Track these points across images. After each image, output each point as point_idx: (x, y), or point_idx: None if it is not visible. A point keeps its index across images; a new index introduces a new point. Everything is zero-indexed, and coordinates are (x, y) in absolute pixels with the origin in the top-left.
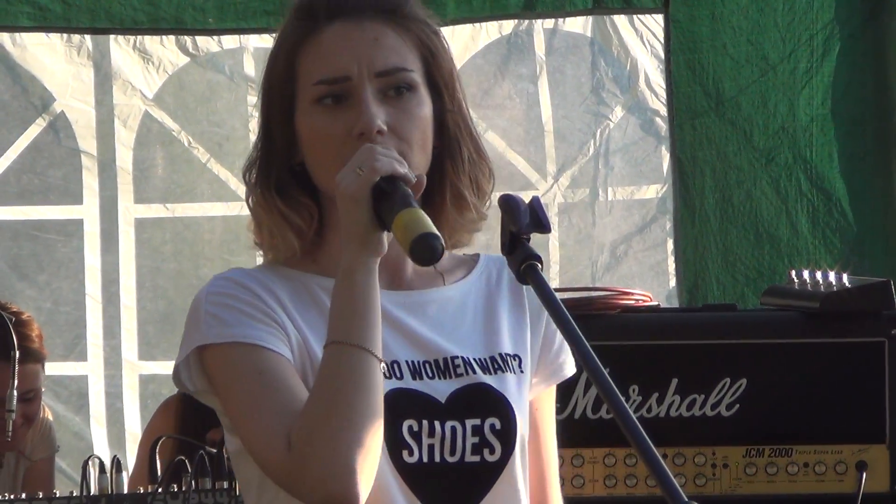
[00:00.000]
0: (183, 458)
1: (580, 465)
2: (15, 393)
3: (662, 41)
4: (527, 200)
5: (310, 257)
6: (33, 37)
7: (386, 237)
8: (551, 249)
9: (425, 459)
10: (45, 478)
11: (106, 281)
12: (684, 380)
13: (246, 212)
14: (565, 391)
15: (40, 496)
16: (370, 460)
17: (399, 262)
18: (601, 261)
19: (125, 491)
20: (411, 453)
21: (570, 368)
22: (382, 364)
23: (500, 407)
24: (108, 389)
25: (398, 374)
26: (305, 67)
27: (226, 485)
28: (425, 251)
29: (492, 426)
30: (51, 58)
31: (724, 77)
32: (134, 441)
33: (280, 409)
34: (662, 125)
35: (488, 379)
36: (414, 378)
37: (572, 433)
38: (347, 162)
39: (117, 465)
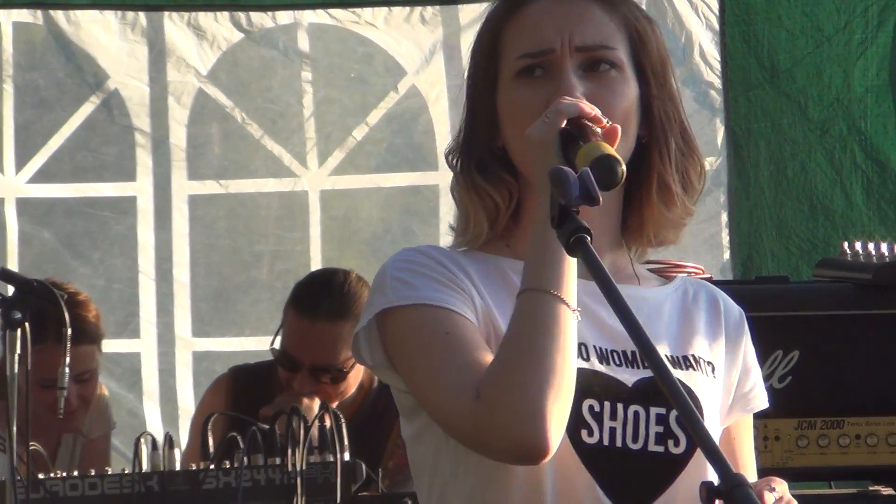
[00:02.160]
0: (235, 434)
1: None
2: (67, 370)
3: (717, 13)
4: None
5: (503, 241)
6: (87, 14)
7: None
8: None
9: (606, 442)
10: (101, 455)
11: (159, 258)
12: None
13: (300, 188)
14: None
15: (93, 473)
16: (561, 407)
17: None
18: None
19: (178, 468)
20: (591, 434)
21: (766, 399)
22: (576, 314)
23: (689, 398)
24: (162, 367)
25: (584, 356)
26: (510, 43)
27: (278, 461)
28: (602, 170)
29: (677, 417)
30: (105, 35)
31: (779, 49)
32: (187, 418)
33: (466, 366)
34: (717, 97)
35: (677, 373)
36: (601, 362)
37: None
38: None
39: (170, 441)
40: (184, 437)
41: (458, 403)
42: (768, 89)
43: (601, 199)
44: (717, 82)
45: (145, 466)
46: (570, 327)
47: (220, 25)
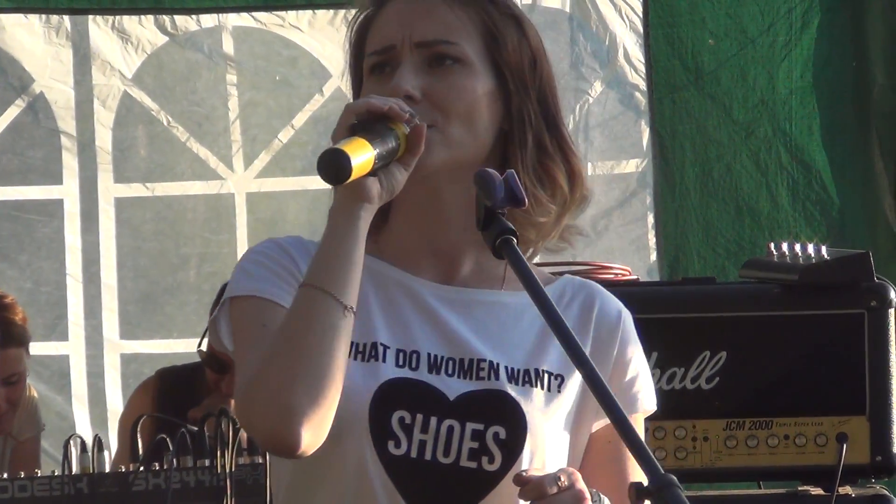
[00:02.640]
0: (164, 436)
1: None
2: None
3: (641, 15)
4: (501, 175)
5: (371, 238)
6: (11, 17)
7: (375, 184)
8: None
9: (413, 454)
10: (31, 457)
11: (87, 261)
12: (664, 353)
13: (226, 190)
14: None
15: (22, 475)
16: (315, 403)
17: (455, 256)
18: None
19: (107, 470)
20: (398, 445)
21: (650, 402)
22: (347, 312)
23: (511, 417)
24: (90, 369)
25: (413, 365)
26: (368, 44)
27: (207, 462)
28: (322, 164)
29: (495, 434)
30: (29, 38)
31: (703, 51)
32: (116, 420)
33: (256, 359)
34: (642, 100)
35: (511, 388)
36: (430, 371)
37: None
38: None
39: (99, 444)
40: (112, 438)
41: (237, 398)
42: (693, 91)
43: (526, 200)
44: (642, 84)
45: (75, 468)
46: (337, 325)
47: (144, 28)
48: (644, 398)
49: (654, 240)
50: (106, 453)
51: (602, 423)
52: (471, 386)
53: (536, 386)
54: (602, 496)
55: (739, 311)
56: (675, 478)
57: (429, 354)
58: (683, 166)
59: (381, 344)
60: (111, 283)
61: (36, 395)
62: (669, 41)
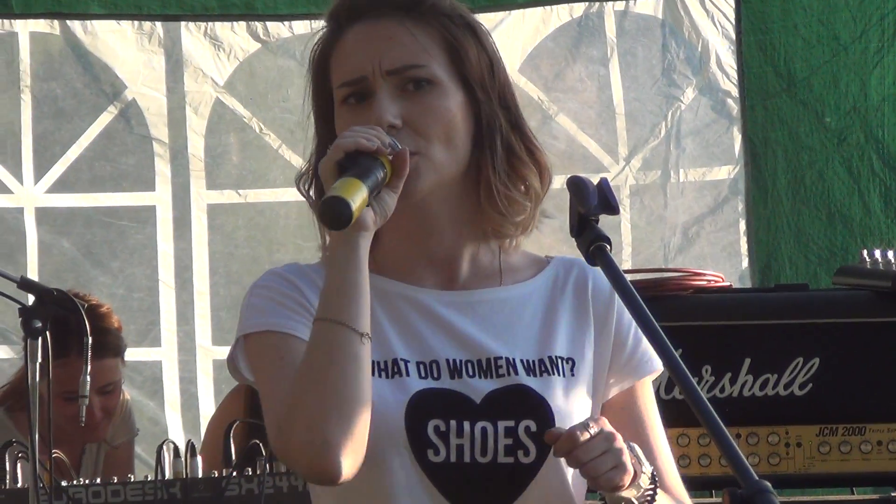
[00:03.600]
0: (257, 441)
1: None
2: (88, 379)
3: (734, 22)
4: (595, 182)
5: (370, 256)
6: (104, 24)
7: (367, 212)
8: (623, 231)
9: (453, 459)
10: (124, 462)
11: (179, 267)
12: (757, 360)
13: None
14: None
15: (115, 481)
16: (349, 432)
17: (453, 261)
18: (673, 242)
19: (199, 475)
20: (437, 453)
21: (654, 364)
22: (364, 339)
23: (538, 409)
24: (182, 375)
25: (435, 374)
26: (334, 71)
27: None
28: (325, 213)
29: (527, 428)
30: (122, 45)
31: (796, 57)
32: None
33: (283, 394)
34: (734, 106)
35: (530, 381)
36: (452, 377)
37: None
38: None
39: (192, 449)
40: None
41: (270, 431)
42: (785, 98)
43: (619, 207)
44: (734, 91)
45: (168, 474)
46: (356, 354)
47: (236, 35)
48: (650, 361)
49: (746, 246)
50: (199, 458)
51: (616, 390)
52: (493, 385)
53: (554, 374)
54: (632, 443)
55: (833, 317)
56: (768, 484)
57: (447, 361)
58: (775, 173)
59: (401, 359)
60: (203, 289)
61: (130, 399)
62: (762, 48)
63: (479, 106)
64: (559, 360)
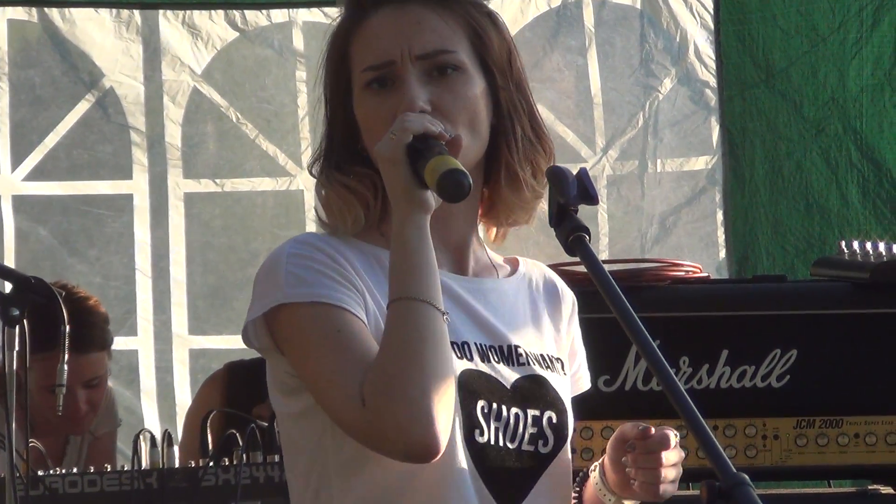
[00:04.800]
0: (234, 431)
1: None
2: (66, 367)
3: (712, 12)
4: (574, 172)
5: (377, 231)
6: (82, 12)
7: (432, 196)
8: (600, 221)
9: (492, 441)
10: (107, 453)
11: (156, 256)
12: (734, 351)
13: (295, 187)
14: (615, 363)
15: (91, 470)
16: (445, 409)
17: (464, 248)
18: (650, 232)
19: (177, 465)
20: (482, 433)
21: (587, 382)
22: (446, 317)
23: (556, 402)
24: (159, 364)
25: (468, 356)
26: (356, 55)
27: (277, 458)
28: (450, 185)
29: (549, 419)
30: (100, 33)
31: (774, 48)
32: (184, 415)
33: (354, 367)
34: (712, 96)
35: (545, 373)
36: (483, 360)
37: (623, 405)
38: None
39: (168, 439)
40: (180, 433)
41: (348, 409)
42: (763, 88)
43: (598, 197)
44: (713, 81)
45: (145, 464)
46: (442, 330)
47: (214, 24)
48: (586, 378)
49: (723, 237)
50: (175, 448)
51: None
52: (517, 373)
53: (555, 370)
54: None
55: (810, 309)
56: (746, 477)
57: (475, 344)
58: (753, 163)
59: None
60: (180, 278)
61: (112, 389)
62: (740, 38)
63: (498, 93)
64: (554, 359)
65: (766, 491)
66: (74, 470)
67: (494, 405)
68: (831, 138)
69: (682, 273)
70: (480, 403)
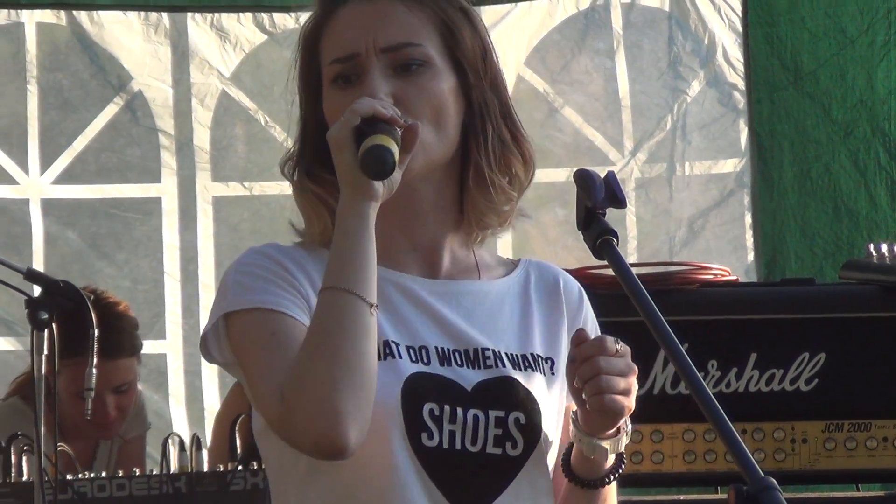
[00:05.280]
0: None
1: (659, 440)
2: (94, 371)
3: (740, 14)
4: (602, 175)
5: None
6: (110, 15)
7: (379, 183)
8: (628, 224)
9: (445, 445)
10: (137, 456)
11: (184, 259)
12: (763, 355)
13: None
14: (643, 367)
15: (120, 474)
16: (357, 403)
17: (435, 250)
18: (679, 235)
19: (206, 469)
20: (430, 437)
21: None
22: (373, 310)
23: (526, 402)
24: (187, 368)
25: (425, 360)
26: (324, 51)
27: None
28: (370, 160)
29: (516, 420)
30: (128, 36)
31: (802, 50)
32: (212, 419)
33: (280, 368)
34: (740, 99)
35: (517, 374)
36: (442, 364)
37: (651, 409)
38: None
39: (197, 443)
40: (209, 436)
41: (270, 405)
42: (792, 91)
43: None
44: (741, 84)
45: (173, 467)
46: (367, 324)
47: (243, 27)
48: None
49: (752, 240)
50: (204, 452)
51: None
52: (482, 375)
53: (536, 370)
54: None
55: (839, 312)
56: (774, 481)
57: (436, 348)
58: (782, 166)
59: (392, 342)
60: (209, 282)
61: (142, 393)
62: (769, 40)
63: (470, 90)
64: (539, 359)
65: (795, 495)
66: (103, 474)
67: (447, 407)
68: (860, 141)
69: (711, 276)
70: (428, 406)
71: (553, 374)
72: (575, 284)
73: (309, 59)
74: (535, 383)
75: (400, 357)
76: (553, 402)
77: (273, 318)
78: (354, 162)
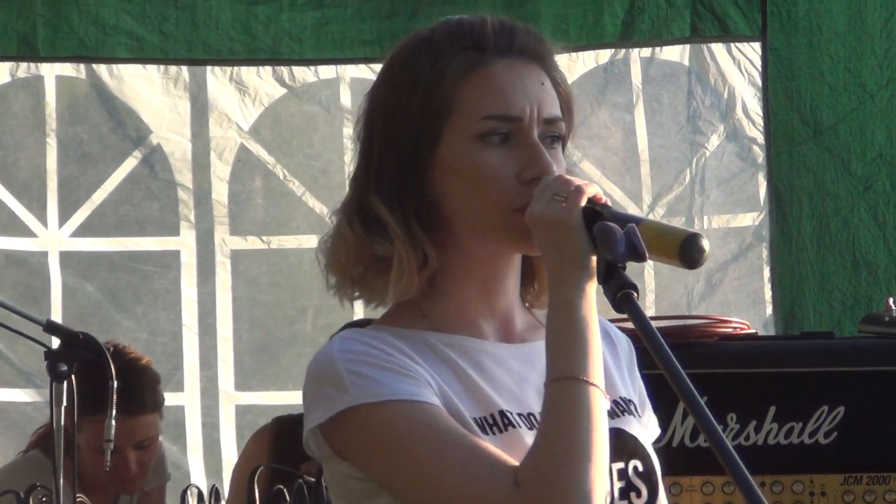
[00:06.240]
0: (282, 487)
1: (678, 493)
2: (113, 423)
3: (760, 69)
4: (622, 229)
5: (417, 310)
6: (130, 68)
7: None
8: (647, 278)
9: None
10: None
11: (202, 312)
12: (782, 408)
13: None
14: (663, 419)
15: None
16: (602, 484)
17: (510, 313)
18: (697, 289)
19: None
20: None
21: (657, 428)
22: (606, 398)
23: (637, 448)
24: (205, 420)
25: (519, 424)
26: (468, 100)
27: None
28: (695, 251)
29: (635, 468)
30: (147, 89)
31: (822, 105)
32: (230, 471)
33: (479, 455)
34: (759, 153)
35: (617, 422)
36: (530, 428)
37: (670, 461)
38: (510, 202)
39: (215, 494)
40: (226, 488)
41: (492, 494)
42: (811, 145)
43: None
44: (760, 138)
45: None
46: (602, 409)
47: (262, 80)
48: (656, 425)
49: (770, 293)
50: (222, 503)
51: None
52: None
53: (631, 414)
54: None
55: (858, 366)
56: None
57: (510, 413)
58: (800, 220)
59: (507, 411)
60: (227, 334)
61: (162, 444)
62: (788, 95)
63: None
64: (624, 401)
65: None
66: None
67: None
68: (879, 195)
69: (730, 329)
70: None
71: (640, 414)
72: (623, 336)
73: (438, 102)
74: (634, 427)
75: (518, 427)
76: (649, 441)
77: (417, 409)
78: (586, 242)
